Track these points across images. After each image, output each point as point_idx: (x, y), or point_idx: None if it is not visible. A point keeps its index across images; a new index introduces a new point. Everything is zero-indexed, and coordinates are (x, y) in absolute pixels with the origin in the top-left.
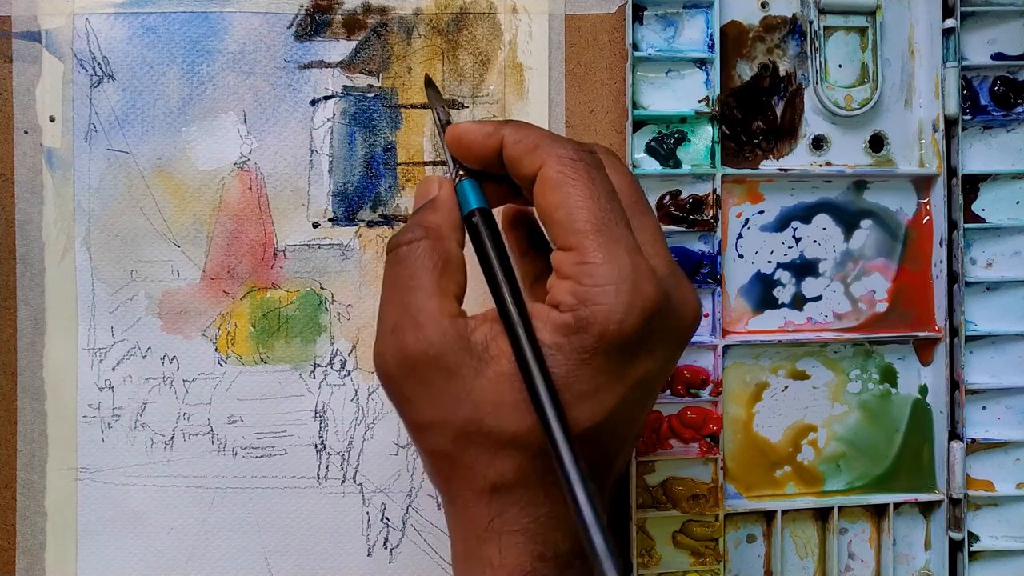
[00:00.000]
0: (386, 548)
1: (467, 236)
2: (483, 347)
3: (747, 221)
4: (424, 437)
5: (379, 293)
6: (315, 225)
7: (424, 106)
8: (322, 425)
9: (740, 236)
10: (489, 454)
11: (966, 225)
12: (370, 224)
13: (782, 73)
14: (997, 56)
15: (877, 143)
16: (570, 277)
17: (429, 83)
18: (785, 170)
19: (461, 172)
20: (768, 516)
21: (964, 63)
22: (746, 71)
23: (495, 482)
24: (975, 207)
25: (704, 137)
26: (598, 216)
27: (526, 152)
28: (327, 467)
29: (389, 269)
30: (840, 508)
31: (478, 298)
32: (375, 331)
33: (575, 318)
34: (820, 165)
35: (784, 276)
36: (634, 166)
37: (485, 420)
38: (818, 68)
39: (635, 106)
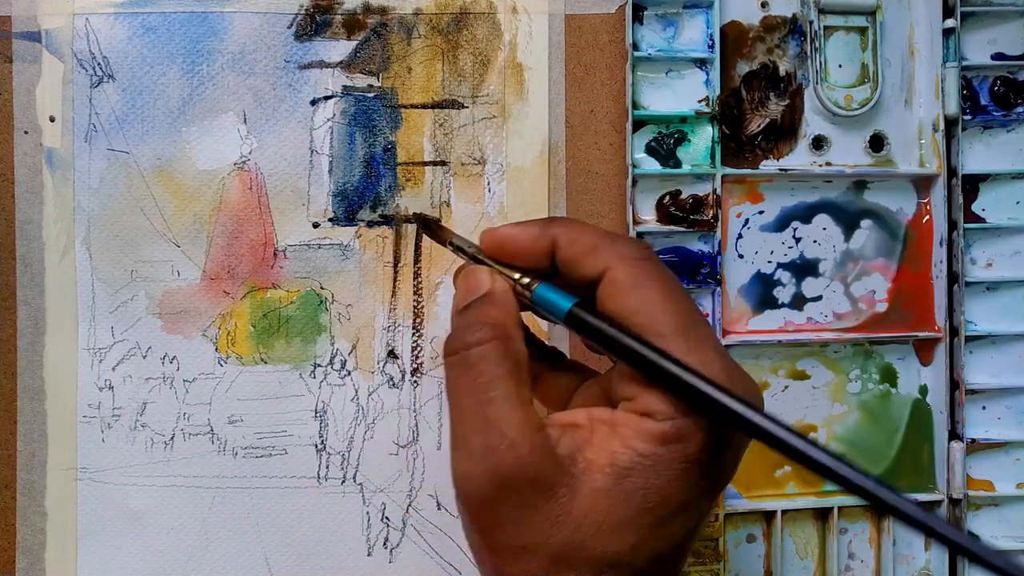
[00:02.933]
0: (386, 548)
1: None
2: (571, 460)
3: (747, 221)
4: (513, 562)
5: (378, 294)
6: (315, 225)
7: (424, 106)
8: (322, 425)
9: (740, 236)
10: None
11: (966, 225)
12: (370, 224)
13: (782, 73)
14: (997, 56)
15: (877, 143)
16: (656, 385)
17: (430, 221)
18: (785, 170)
19: (522, 277)
20: (768, 516)
21: (964, 63)
22: (745, 71)
23: None
24: (975, 207)
25: (704, 137)
26: (682, 318)
27: (585, 254)
28: (327, 467)
29: (458, 375)
30: (840, 508)
31: None
32: (451, 442)
33: (674, 427)
34: (820, 165)
35: (784, 276)
36: (634, 166)
37: (587, 542)
38: (818, 68)
39: (635, 106)
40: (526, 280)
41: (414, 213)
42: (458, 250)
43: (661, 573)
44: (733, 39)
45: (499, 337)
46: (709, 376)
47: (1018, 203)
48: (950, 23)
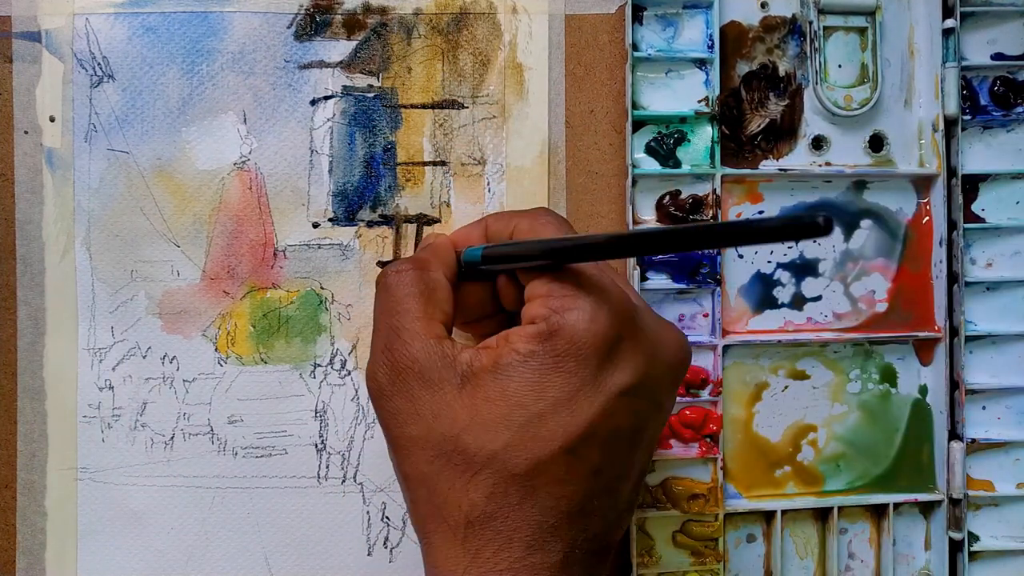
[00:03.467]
0: (386, 548)
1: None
2: (467, 365)
3: None
4: (405, 457)
5: None
6: (315, 225)
7: (424, 106)
8: (322, 425)
9: None
10: (464, 478)
11: (966, 225)
12: (370, 224)
13: (782, 73)
14: (997, 56)
15: (877, 143)
16: (543, 295)
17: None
18: (785, 170)
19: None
20: (768, 516)
21: (964, 63)
22: (745, 71)
23: (468, 511)
24: (975, 207)
25: (704, 137)
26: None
27: (504, 223)
28: (327, 467)
29: (378, 296)
30: (840, 508)
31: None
32: (373, 334)
33: (547, 324)
34: (820, 165)
35: (784, 276)
36: (634, 166)
37: (462, 436)
38: (818, 68)
39: (635, 106)
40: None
41: (378, 262)
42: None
43: (546, 487)
44: (733, 39)
45: (416, 268)
46: (579, 287)
47: (1018, 203)
48: (950, 23)
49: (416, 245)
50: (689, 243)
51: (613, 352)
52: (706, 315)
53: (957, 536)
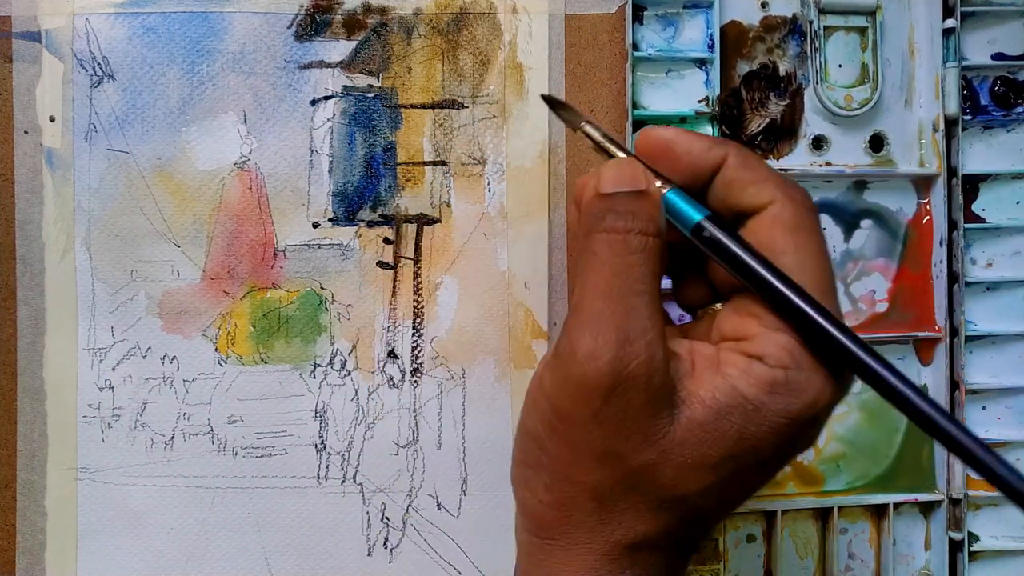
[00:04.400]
0: (386, 548)
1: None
2: (680, 384)
3: None
4: (586, 465)
5: (378, 294)
6: (315, 225)
7: (424, 106)
8: (322, 425)
9: None
10: (648, 508)
11: (966, 225)
12: (370, 224)
13: (782, 73)
14: (997, 56)
15: (877, 143)
16: (782, 330)
17: (558, 104)
18: (785, 170)
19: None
20: (768, 516)
21: (964, 63)
22: (745, 71)
23: (638, 539)
24: (975, 207)
25: None
26: (826, 276)
27: (754, 181)
28: (327, 467)
29: (614, 254)
30: (840, 508)
31: None
32: (568, 316)
33: (786, 378)
34: (820, 165)
35: None
36: None
37: (665, 471)
38: (818, 68)
39: (635, 106)
40: (657, 183)
41: (542, 95)
42: (599, 140)
43: (717, 518)
44: (733, 39)
45: (660, 238)
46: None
47: (1018, 203)
48: (950, 23)
49: (417, 245)
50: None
51: (824, 423)
52: None
53: (957, 536)
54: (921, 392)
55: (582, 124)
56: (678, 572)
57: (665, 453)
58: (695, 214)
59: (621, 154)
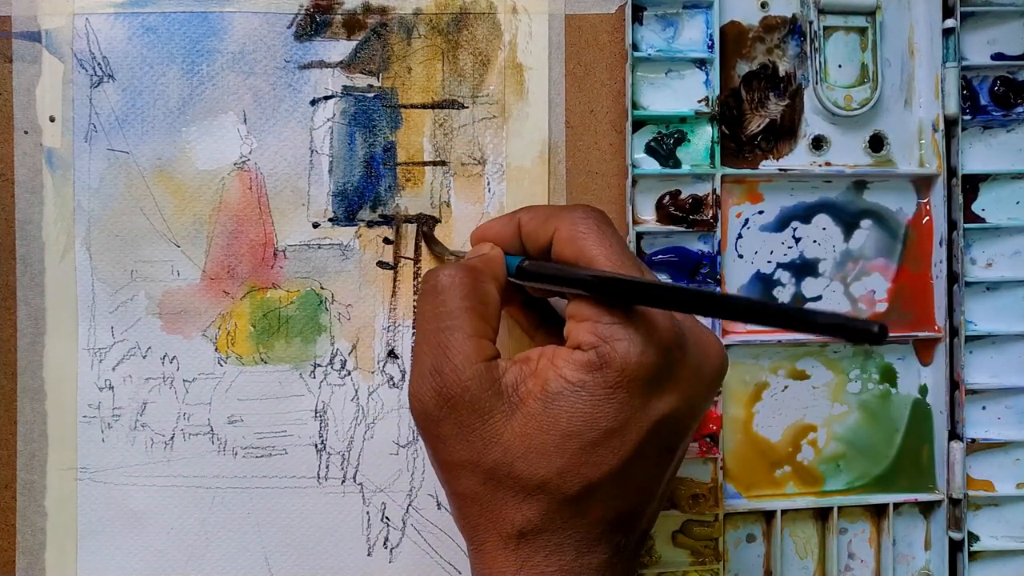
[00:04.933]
0: (386, 548)
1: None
2: (513, 389)
3: (747, 221)
4: (455, 478)
5: (378, 294)
6: (315, 225)
7: (424, 106)
8: (322, 425)
9: (740, 236)
10: (517, 499)
11: (966, 225)
12: (370, 224)
13: (782, 73)
14: (997, 56)
15: (877, 143)
16: (589, 319)
17: (428, 238)
18: (785, 170)
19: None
20: (768, 516)
21: (964, 63)
22: (745, 71)
23: (522, 527)
24: (975, 207)
25: (704, 137)
26: (612, 261)
27: (540, 224)
28: (327, 467)
29: (426, 301)
30: (840, 508)
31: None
32: (414, 361)
33: (597, 354)
34: (820, 165)
35: (784, 276)
36: (634, 166)
37: (515, 464)
38: (818, 68)
39: (635, 106)
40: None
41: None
42: (443, 255)
43: (596, 505)
44: (733, 39)
45: (470, 276)
46: (626, 314)
47: (1018, 203)
48: (950, 23)
49: (417, 245)
50: (750, 317)
51: (662, 379)
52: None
53: (957, 536)
54: (708, 292)
55: (446, 255)
56: (601, 558)
57: (509, 448)
58: (515, 261)
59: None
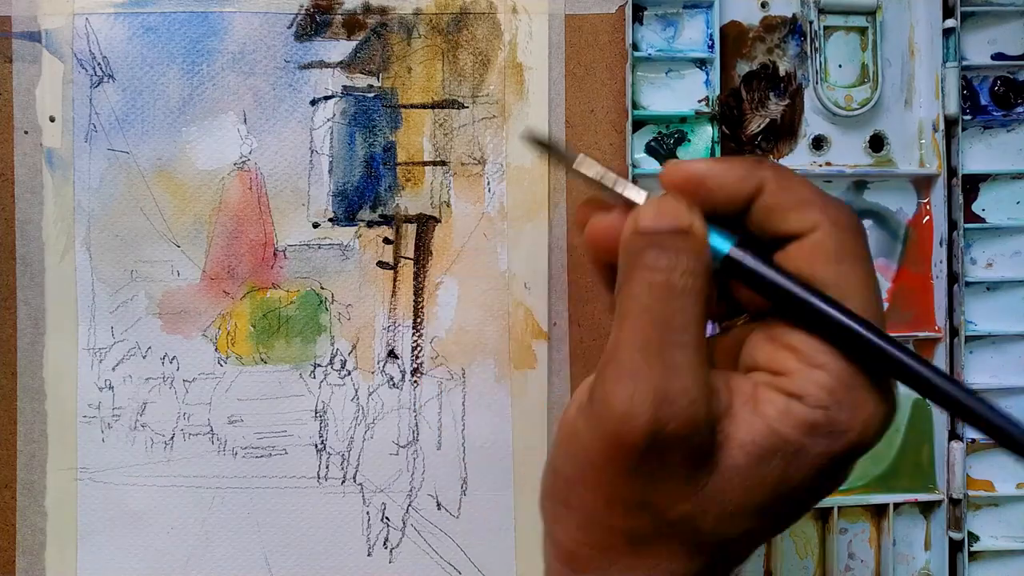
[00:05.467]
0: (386, 548)
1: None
2: (716, 426)
3: None
4: (621, 514)
5: (378, 294)
6: (315, 225)
7: (424, 106)
8: (322, 425)
9: None
10: (686, 553)
11: (966, 225)
12: (370, 224)
13: (782, 73)
14: (997, 56)
15: (877, 143)
16: (819, 366)
17: (544, 144)
18: None
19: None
20: None
21: (964, 63)
22: (745, 71)
23: (671, 572)
24: (975, 207)
25: (704, 137)
26: (873, 308)
27: (795, 206)
28: (327, 467)
29: (655, 296)
30: (840, 508)
31: None
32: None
33: (827, 419)
34: (820, 165)
35: None
36: (634, 166)
37: (704, 520)
38: (818, 68)
39: (635, 106)
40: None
41: (524, 136)
42: (602, 184)
43: (749, 552)
44: (733, 39)
45: (705, 281)
46: (880, 385)
47: (1018, 203)
48: (950, 23)
49: (416, 246)
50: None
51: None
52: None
53: (957, 536)
54: (979, 398)
55: (575, 163)
56: None
57: (704, 503)
58: (724, 244)
59: (631, 187)
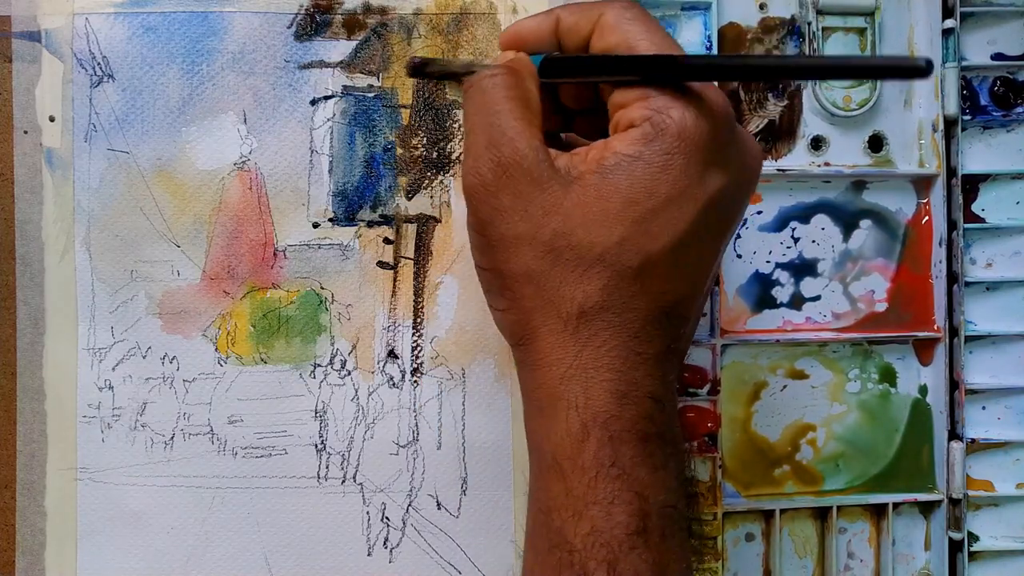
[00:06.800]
0: (386, 548)
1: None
2: (566, 170)
3: (745, 221)
4: (511, 255)
5: (378, 294)
6: (315, 225)
7: (424, 106)
8: (322, 425)
9: (739, 236)
10: (577, 272)
11: (966, 225)
12: (370, 224)
13: None
14: (997, 56)
15: (876, 143)
16: (638, 98)
17: (419, 67)
18: (784, 170)
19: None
20: (767, 515)
21: (964, 63)
22: None
23: (582, 303)
24: (975, 207)
25: None
26: (659, 44)
27: (582, 15)
28: (327, 467)
29: (472, 98)
30: (839, 507)
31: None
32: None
33: (652, 124)
34: (819, 165)
35: (783, 276)
36: None
37: (575, 233)
38: None
39: None
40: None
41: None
42: (454, 69)
43: (655, 282)
44: (731, 40)
45: (511, 73)
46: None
47: (1018, 203)
48: (950, 23)
49: (416, 246)
50: (786, 72)
51: (715, 152)
52: (704, 314)
53: (957, 536)
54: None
55: (435, 67)
56: (656, 347)
57: (568, 216)
58: (537, 61)
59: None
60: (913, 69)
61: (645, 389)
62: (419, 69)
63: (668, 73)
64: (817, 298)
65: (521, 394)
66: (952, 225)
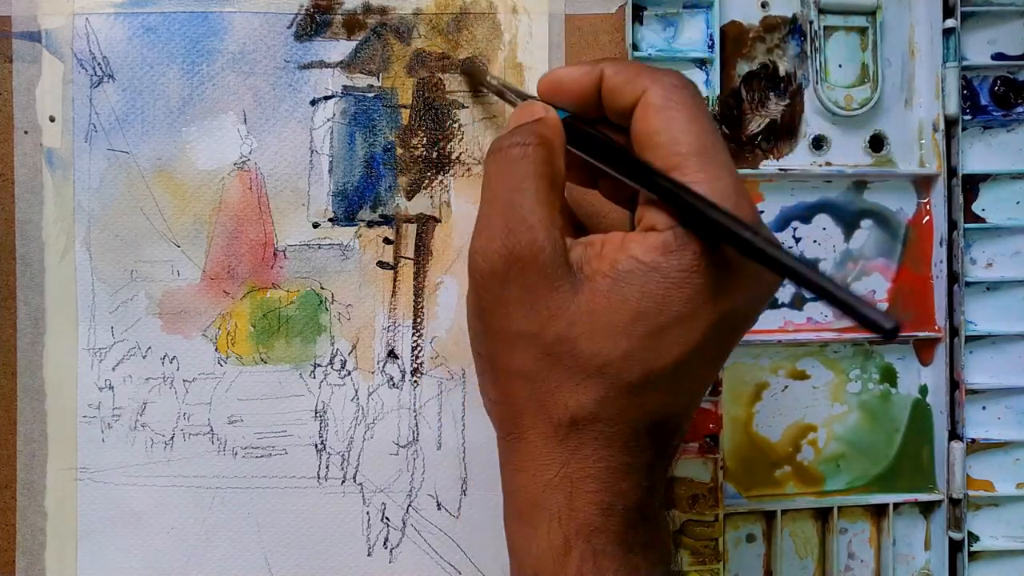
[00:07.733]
0: (386, 548)
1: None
2: (578, 267)
3: None
4: (508, 350)
5: (378, 294)
6: (315, 225)
7: (424, 106)
8: (322, 425)
9: None
10: (574, 380)
11: (966, 225)
12: (370, 224)
13: (782, 73)
14: (997, 56)
15: (877, 143)
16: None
17: (471, 72)
18: (785, 170)
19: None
20: (768, 516)
21: (964, 63)
22: (745, 71)
23: (575, 412)
24: (975, 207)
25: None
26: (701, 139)
27: (628, 81)
28: (327, 467)
29: (498, 167)
30: (840, 508)
31: None
32: (471, 237)
33: (675, 235)
34: (820, 165)
35: None
36: None
37: (578, 340)
38: (818, 68)
39: None
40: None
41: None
42: (503, 91)
43: (653, 397)
44: (733, 39)
45: (543, 145)
46: (710, 194)
47: (1018, 203)
48: (950, 23)
49: (416, 246)
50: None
51: (732, 273)
52: None
53: (957, 536)
54: (787, 252)
55: (487, 79)
56: (645, 458)
57: (574, 323)
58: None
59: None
60: (878, 327)
61: (632, 499)
62: (471, 74)
63: (699, 222)
64: (818, 298)
65: (502, 490)
66: (952, 225)
